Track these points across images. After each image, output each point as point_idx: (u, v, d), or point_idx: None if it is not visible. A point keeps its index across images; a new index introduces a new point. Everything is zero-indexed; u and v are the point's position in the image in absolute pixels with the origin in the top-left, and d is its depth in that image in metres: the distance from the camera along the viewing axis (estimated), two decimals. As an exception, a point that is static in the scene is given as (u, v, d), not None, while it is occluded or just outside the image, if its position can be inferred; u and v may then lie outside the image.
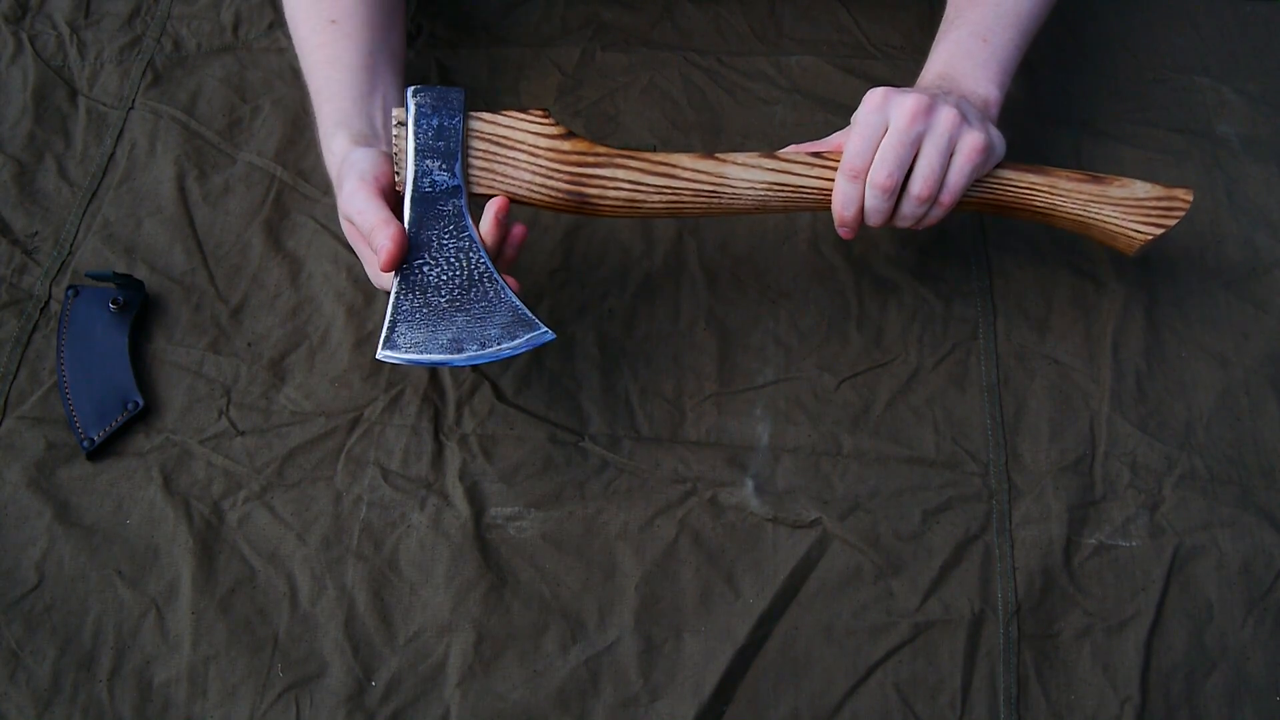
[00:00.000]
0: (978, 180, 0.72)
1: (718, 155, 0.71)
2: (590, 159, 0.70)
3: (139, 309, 0.80)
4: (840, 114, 0.90)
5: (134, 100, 0.92)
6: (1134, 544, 0.72)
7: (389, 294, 0.68)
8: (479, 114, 0.70)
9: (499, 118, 0.70)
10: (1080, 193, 0.72)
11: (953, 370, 0.79)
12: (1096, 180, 0.72)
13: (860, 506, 0.74)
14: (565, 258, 0.84)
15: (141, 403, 0.76)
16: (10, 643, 0.68)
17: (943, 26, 0.80)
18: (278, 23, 0.96)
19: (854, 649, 0.69)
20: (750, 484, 0.75)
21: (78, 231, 0.85)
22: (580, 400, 0.78)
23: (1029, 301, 0.82)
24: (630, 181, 0.70)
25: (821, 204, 0.72)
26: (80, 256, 0.84)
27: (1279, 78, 0.95)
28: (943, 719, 0.67)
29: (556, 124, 0.70)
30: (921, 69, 0.78)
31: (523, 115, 0.69)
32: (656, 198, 0.71)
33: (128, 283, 0.80)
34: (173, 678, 0.68)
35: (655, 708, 0.67)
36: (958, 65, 0.75)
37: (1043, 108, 0.92)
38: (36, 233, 0.85)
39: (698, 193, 0.71)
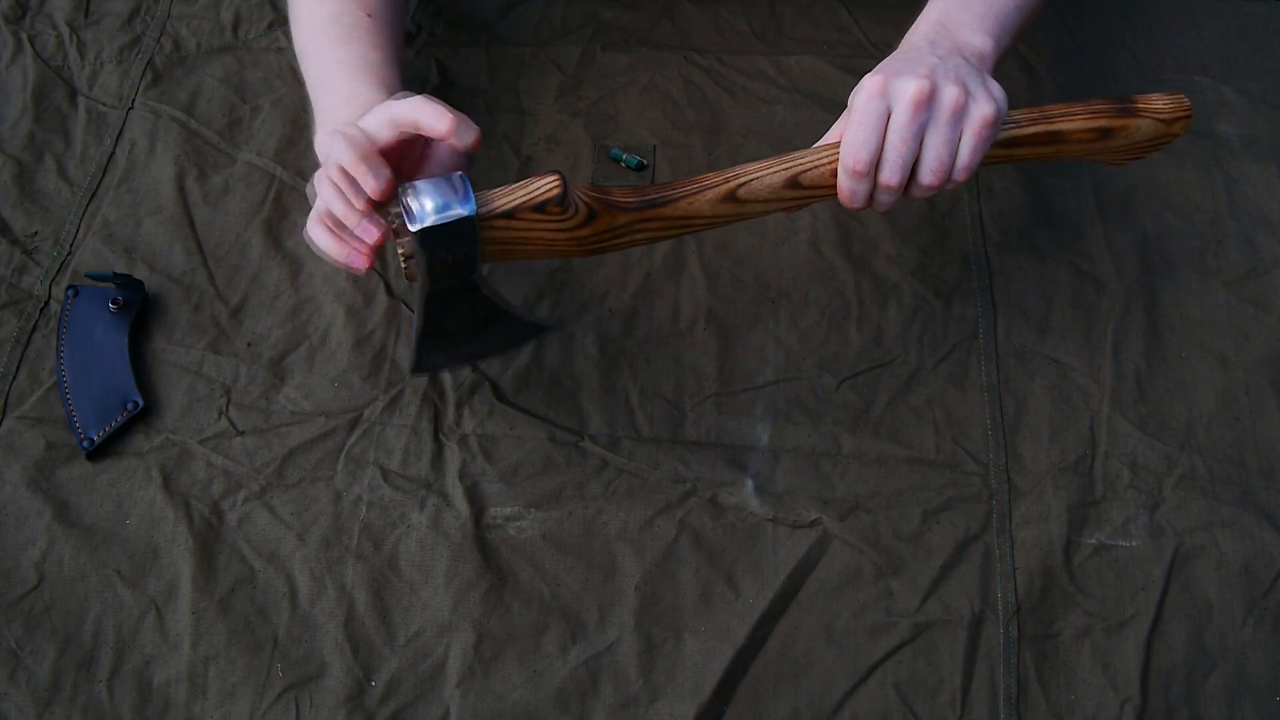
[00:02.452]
0: (989, 153, 0.69)
1: (739, 195, 0.68)
2: (608, 234, 0.67)
3: (139, 309, 0.80)
4: (840, 114, 0.90)
5: (134, 100, 0.92)
6: (1134, 544, 0.72)
7: (411, 319, 0.70)
8: (492, 220, 0.63)
9: (514, 224, 0.64)
10: (1084, 151, 0.72)
11: (953, 370, 0.79)
12: (1103, 136, 0.71)
13: (860, 507, 0.74)
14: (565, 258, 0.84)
15: (141, 403, 0.76)
16: (10, 643, 0.68)
17: None
18: (278, 22, 0.96)
19: (854, 649, 0.69)
20: (750, 484, 0.74)
21: (77, 231, 0.85)
22: (580, 400, 0.78)
23: (1029, 301, 0.82)
24: (646, 238, 0.69)
25: (830, 198, 0.71)
26: (80, 256, 0.84)
27: (1279, 78, 0.95)
28: (943, 719, 0.67)
29: (573, 212, 0.64)
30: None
31: (540, 217, 0.64)
32: (670, 238, 0.71)
33: (127, 283, 0.80)
34: (173, 678, 0.68)
35: (655, 708, 0.67)
36: (954, 15, 0.72)
37: (1043, 108, 0.92)
38: (36, 233, 0.85)
39: (710, 227, 0.71)
